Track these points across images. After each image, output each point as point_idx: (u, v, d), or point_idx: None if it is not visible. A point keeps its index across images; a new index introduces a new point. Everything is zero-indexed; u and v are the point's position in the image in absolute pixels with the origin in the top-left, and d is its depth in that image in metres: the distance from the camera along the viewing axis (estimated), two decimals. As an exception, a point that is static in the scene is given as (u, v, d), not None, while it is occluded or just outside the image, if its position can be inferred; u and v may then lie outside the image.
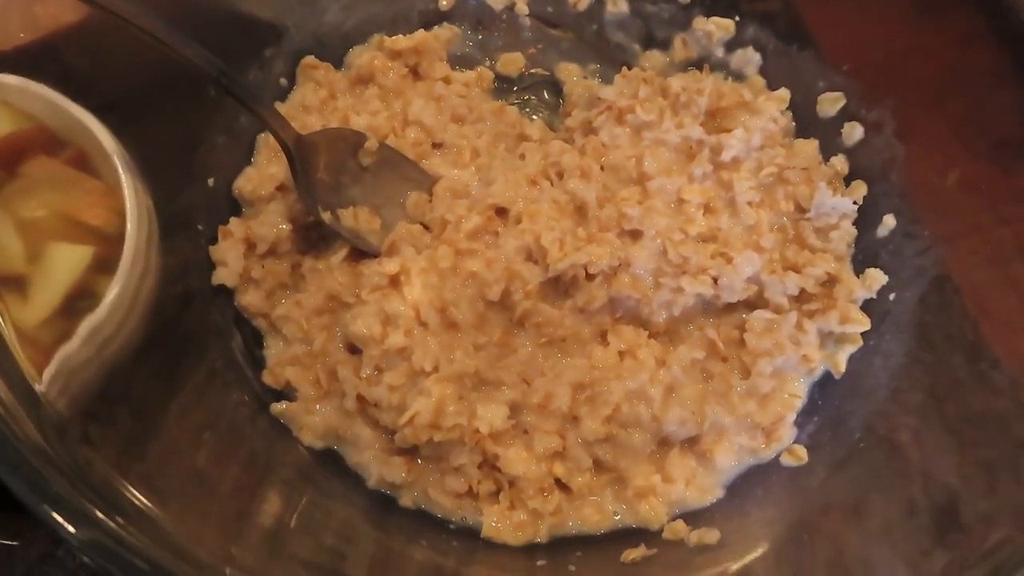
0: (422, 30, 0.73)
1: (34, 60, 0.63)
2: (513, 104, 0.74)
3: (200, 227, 0.62)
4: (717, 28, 0.72)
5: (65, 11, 0.66)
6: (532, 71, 0.76)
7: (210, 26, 0.63)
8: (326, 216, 0.61)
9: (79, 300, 0.56)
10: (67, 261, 0.55)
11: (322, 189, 0.62)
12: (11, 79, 0.61)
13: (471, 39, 0.76)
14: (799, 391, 0.61)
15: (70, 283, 0.55)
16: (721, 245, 0.62)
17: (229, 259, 0.61)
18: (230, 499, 0.53)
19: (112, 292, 0.54)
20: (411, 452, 0.57)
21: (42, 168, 0.60)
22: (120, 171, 0.59)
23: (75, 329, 0.54)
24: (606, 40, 0.76)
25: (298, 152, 0.60)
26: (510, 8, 0.76)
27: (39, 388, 0.47)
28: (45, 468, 0.42)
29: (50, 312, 0.54)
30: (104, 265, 0.57)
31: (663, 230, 0.62)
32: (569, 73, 0.76)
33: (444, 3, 0.75)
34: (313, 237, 0.64)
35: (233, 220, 0.63)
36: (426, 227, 0.65)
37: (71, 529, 0.41)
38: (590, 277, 0.60)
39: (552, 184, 0.66)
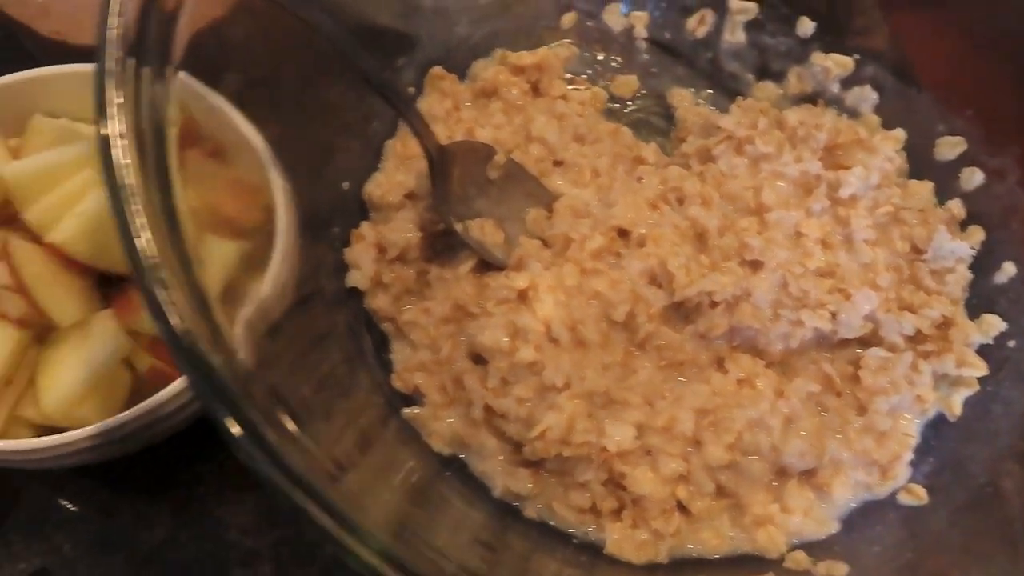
0: (544, 47, 0.74)
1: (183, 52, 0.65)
2: (625, 126, 0.75)
3: (336, 229, 0.63)
4: (835, 65, 0.73)
5: (213, 5, 0.68)
6: (644, 93, 0.78)
7: (349, 33, 0.64)
8: (459, 226, 0.63)
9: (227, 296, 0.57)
10: (221, 256, 0.56)
11: (454, 200, 0.64)
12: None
13: (587, 59, 0.77)
14: (912, 431, 0.62)
15: (225, 278, 0.55)
16: (839, 281, 0.63)
17: (362, 263, 0.62)
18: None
19: (266, 287, 0.55)
20: (536, 464, 0.58)
21: (191, 161, 0.61)
22: (269, 168, 0.60)
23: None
24: (720, 68, 0.77)
25: (439, 161, 0.61)
26: (628, 31, 0.77)
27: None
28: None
29: (204, 305, 0.55)
30: (248, 262, 0.59)
31: (783, 262, 0.63)
32: (681, 99, 0.77)
33: (566, 22, 0.76)
34: (439, 246, 0.65)
35: (364, 224, 0.64)
36: (544, 243, 0.66)
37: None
38: (713, 304, 0.61)
39: (672, 209, 0.67)
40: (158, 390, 0.55)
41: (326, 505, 0.39)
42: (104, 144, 0.40)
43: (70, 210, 0.53)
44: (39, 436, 0.53)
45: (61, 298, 0.52)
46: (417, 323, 0.62)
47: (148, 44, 0.44)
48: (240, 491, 0.62)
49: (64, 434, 0.50)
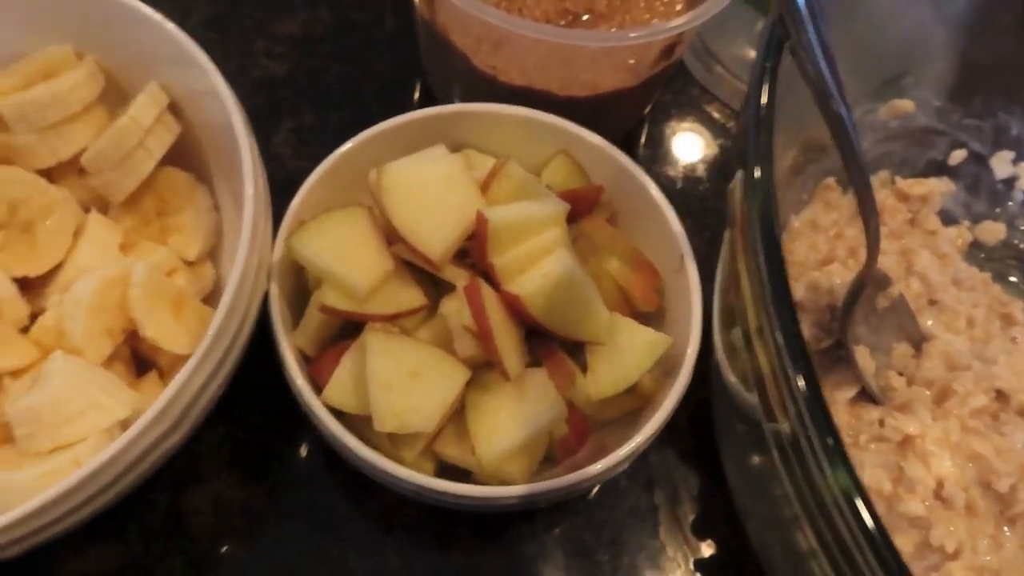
0: (932, 179, 0.73)
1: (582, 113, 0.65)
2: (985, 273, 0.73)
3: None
4: None
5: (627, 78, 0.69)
6: (1006, 244, 0.76)
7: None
8: (858, 349, 0.61)
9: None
10: (648, 345, 0.55)
11: (848, 321, 0.63)
12: (587, 133, 0.63)
13: (960, 197, 0.76)
14: None
15: (645, 370, 0.55)
16: None
17: (750, 367, 0.61)
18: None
19: (674, 394, 0.54)
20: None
21: (598, 231, 0.61)
22: (685, 256, 0.60)
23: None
24: (1091, 237, 0.75)
25: (861, 281, 0.60)
26: (1010, 180, 0.75)
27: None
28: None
29: (615, 393, 0.55)
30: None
31: None
32: (1046, 258, 0.75)
33: (953, 158, 0.74)
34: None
35: (755, 327, 0.64)
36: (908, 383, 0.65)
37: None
38: (1098, 495, 0.59)
39: (1052, 381, 0.65)
40: (564, 459, 0.55)
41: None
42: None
43: (535, 265, 0.53)
44: (436, 473, 0.54)
45: (512, 349, 0.52)
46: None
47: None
48: (571, 558, 0.62)
49: (499, 487, 0.50)
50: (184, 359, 0.56)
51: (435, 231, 0.53)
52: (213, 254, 0.63)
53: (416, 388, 0.51)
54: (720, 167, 0.81)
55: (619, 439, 0.56)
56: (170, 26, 0.57)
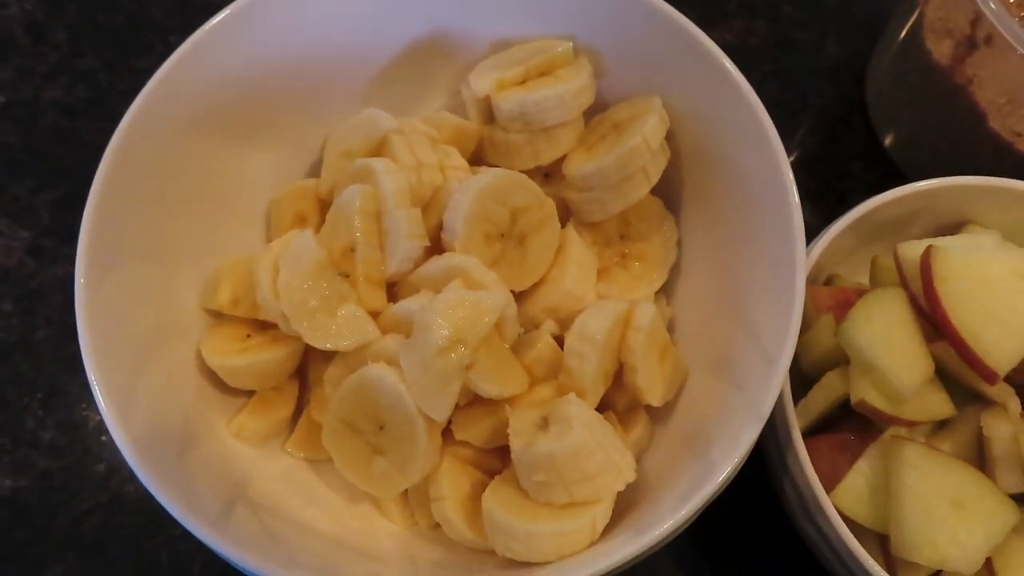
0: None
1: None
2: None
3: None
4: None
5: None
6: None
7: None
8: None
9: None
10: None
11: None
12: None
13: None
14: None
15: None
16: None
17: None
18: None
19: None
20: None
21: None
22: None
23: None
24: None
25: None
26: None
27: None
28: None
29: None
30: None
31: None
32: None
33: None
34: None
35: None
36: None
37: None
38: None
39: None
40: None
41: None
42: None
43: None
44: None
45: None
46: None
47: None
48: None
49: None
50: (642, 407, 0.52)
51: (1004, 341, 0.45)
52: (665, 291, 0.58)
53: (959, 521, 0.43)
54: None
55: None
56: (706, 40, 0.52)
